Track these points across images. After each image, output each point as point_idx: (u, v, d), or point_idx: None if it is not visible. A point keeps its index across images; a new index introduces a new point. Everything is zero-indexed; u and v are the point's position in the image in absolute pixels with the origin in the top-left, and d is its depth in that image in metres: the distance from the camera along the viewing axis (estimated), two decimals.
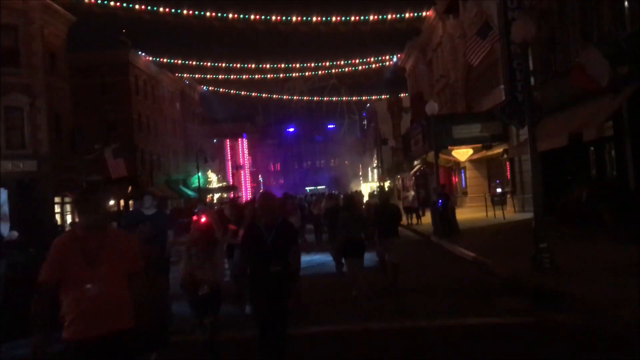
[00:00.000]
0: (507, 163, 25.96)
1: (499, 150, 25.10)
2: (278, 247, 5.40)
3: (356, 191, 33.77)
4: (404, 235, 22.36)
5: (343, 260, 11.07)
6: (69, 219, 30.20)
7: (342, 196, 19.64)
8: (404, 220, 25.95)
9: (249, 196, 74.06)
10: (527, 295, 9.20)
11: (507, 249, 13.78)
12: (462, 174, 32.50)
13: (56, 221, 28.18)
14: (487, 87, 27.01)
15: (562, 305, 8.13)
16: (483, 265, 12.28)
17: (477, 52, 20.72)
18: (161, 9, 30.28)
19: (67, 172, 28.79)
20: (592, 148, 18.17)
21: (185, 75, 52.27)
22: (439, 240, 17.89)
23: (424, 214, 25.76)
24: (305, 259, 15.38)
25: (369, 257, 11.06)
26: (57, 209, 29.62)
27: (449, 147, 25.33)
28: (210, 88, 59.32)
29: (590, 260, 10.87)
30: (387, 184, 47.91)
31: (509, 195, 25.12)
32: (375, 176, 63.72)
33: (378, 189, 49.52)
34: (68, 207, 30.47)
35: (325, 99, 64.98)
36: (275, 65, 44.95)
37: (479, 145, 25.36)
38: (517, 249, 13.28)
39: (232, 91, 56.65)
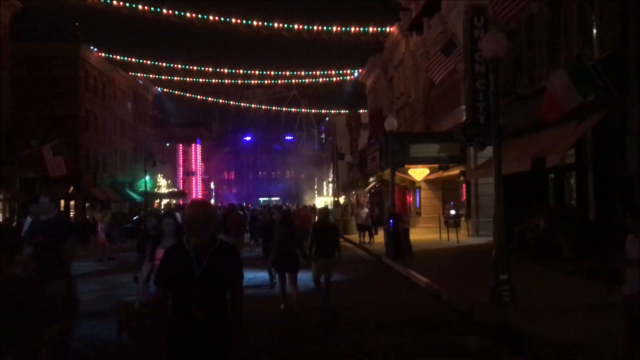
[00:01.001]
0: (464, 185, 25.45)
1: (455, 171, 24.56)
2: (211, 281, 3.78)
3: (305, 205, 32.84)
4: (355, 254, 21.50)
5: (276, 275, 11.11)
6: None
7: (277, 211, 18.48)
8: (357, 238, 25.25)
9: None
10: (487, 332, 8.34)
11: (463, 277, 12.98)
12: (417, 194, 31.92)
13: None
14: (448, 107, 26.53)
15: (525, 347, 7.29)
16: (437, 294, 11.40)
17: (440, 69, 20.08)
18: (115, 2, 28.73)
19: (1, 167, 26.77)
20: (552, 175, 17.69)
21: (139, 74, 50.43)
22: (391, 262, 16.99)
23: (376, 233, 24.93)
24: (248, 275, 14.25)
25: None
26: None
27: (406, 166, 24.64)
28: (165, 90, 57.58)
29: (551, 295, 10.15)
30: (342, 199, 47.12)
31: (463, 218, 24.58)
32: (331, 191, 62.99)
33: (333, 204, 48.86)
34: (0, 205, 28.39)
35: (284, 109, 64.01)
36: (233, 71, 43.81)
37: (436, 165, 24.76)
38: (473, 277, 12.51)
39: (187, 94, 55.10)
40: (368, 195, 38.04)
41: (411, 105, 33.91)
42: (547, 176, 17.86)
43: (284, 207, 36.75)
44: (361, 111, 52.94)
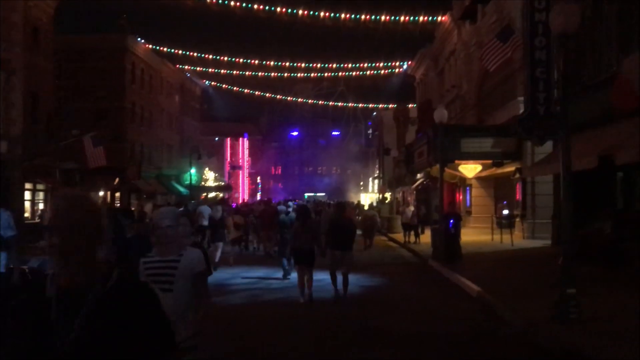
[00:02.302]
0: (518, 184, 23.67)
1: (510, 168, 22.80)
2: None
3: (347, 202, 31.62)
4: (399, 255, 20.18)
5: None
6: (40, 206, 28.02)
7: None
8: (402, 238, 23.87)
9: (246, 198, 72.09)
10: (548, 357, 6.96)
11: (519, 286, 11.49)
12: (468, 192, 30.18)
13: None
14: (502, 99, 24.78)
15: None
16: (489, 306, 9.99)
17: (495, 57, 18.49)
18: None
19: (40, 156, 26.56)
20: (620, 174, 15.89)
21: (186, 67, 50.15)
22: (438, 266, 15.58)
23: (422, 232, 23.48)
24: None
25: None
26: (27, 195, 27.35)
27: (456, 162, 23.05)
28: (212, 83, 57.21)
29: (626, 314, 8.60)
30: (387, 196, 45.64)
31: (518, 219, 22.80)
32: (376, 187, 61.58)
33: (378, 201, 47.41)
34: (40, 195, 28.24)
35: (331, 103, 62.77)
36: (279, 63, 42.80)
37: (489, 161, 23.08)
38: (531, 287, 11.05)
39: (234, 88, 54.54)
40: (414, 192, 36.46)
41: (462, 98, 32.18)
42: (614, 175, 16.06)
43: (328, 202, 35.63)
44: (409, 105, 51.29)
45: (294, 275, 12.69)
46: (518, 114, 19.34)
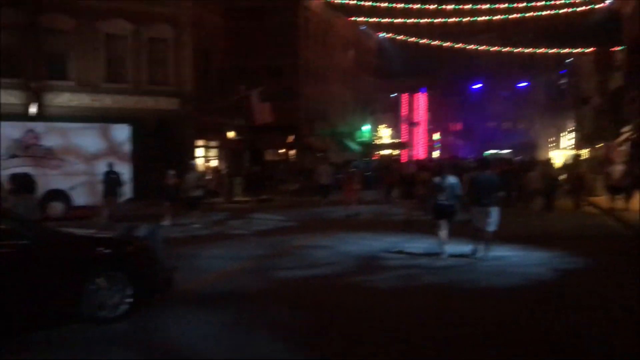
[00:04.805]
0: None
1: None
2: None
3: (544, 160, 27.72)
4: (600, 224, 16.38)
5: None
6: (213, 164, 28.26)
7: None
8: (605, 203, 19.73)
9: (424, 155, 69.19)
10: None
11: None
12: None
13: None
14: None
15: None
16: None
17: None
18: None
19: (212, 114, 26.53)
20: None
21: (359, 19, 48.09)
22: None
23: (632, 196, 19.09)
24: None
25: None
26: (199, 152, 27.66)
27: None
28: (386, 35, 54.61)
29: None
30: (584, 152, 39.92)
31: None
32: (570, 143, 55.11)
33: (572, 158, 41.79)
34: (212, 152, 28.47)
35: (517, 50, 56.72)
36: (458, 6, 38.82)
37: None
38: None
39: (410, 39, 51.43)
40: (623, 147, 30.88)
41: None
42: None
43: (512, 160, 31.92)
44: (613, 48, 44.05)
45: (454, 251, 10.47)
46: None
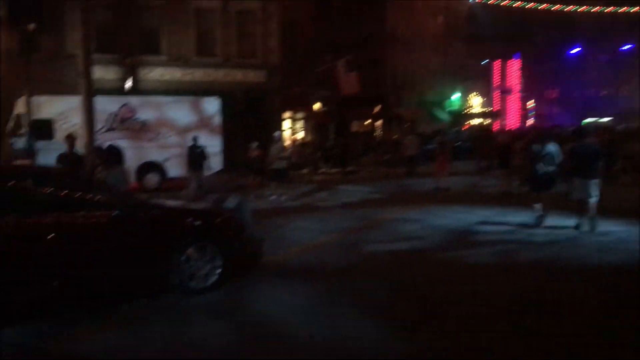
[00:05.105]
0: None
1: None
2: None
3: None
4: None
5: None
6: (299, 136, 28.33)
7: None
8: None
9: (517, 124, 66.25)
10: None
11: None
12: None
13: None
14: None
15: None
16: None
17: None
18: None
19: (298, 85, 26.48)
20: None
21: None
22: None
23: None
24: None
25: None
26: (284, 125, 27.74)
27: None
28: (478, 0, 52.24)
29: None
30: None
31: None
32: None
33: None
34: (298, 124, 28.50)
35: (622, 10, 52.64)
36: None
37: None
38: None
39: (503, 2, 48.98)
40: None
41: None
42: None
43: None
44: None
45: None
46: None
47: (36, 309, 5.65)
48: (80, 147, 11.95)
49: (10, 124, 16.92)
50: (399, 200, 14.99)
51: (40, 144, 15.56)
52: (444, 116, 49.63)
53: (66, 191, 6.16)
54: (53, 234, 5.68)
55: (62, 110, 17.08)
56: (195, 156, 16.43)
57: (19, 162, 14.96)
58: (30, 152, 15.16)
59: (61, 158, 10.52)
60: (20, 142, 16.04)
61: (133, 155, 17.79)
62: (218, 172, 18.91)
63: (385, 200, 15.28)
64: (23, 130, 16.27)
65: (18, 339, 5.37)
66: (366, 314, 5.83)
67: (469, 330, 5.37)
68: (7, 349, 5.12)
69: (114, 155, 8.07)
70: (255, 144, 16.97)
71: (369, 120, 41.91)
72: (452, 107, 52.89)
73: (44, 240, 5.63)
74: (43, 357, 5.03)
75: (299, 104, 27.37)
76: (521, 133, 23.96)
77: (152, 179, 18.55)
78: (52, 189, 6.10)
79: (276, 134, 16.98)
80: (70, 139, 10.69)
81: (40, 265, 5.64)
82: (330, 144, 27.60)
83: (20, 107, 16.99)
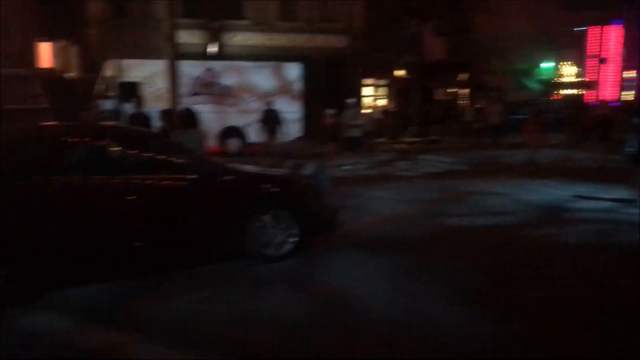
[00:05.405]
0: None
1: None
2: None
3: None
4: None
5: None
6: (381, 103, 27.75)
7: None
8: None
9: (614, 96, 62.19)
10: None
11: None
12: None
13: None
14: None
15: None
16: None
17: None
18: None
19: (380, 51, 25.79)
20: None
21: None
22: None
23: None
24: None
25: None
26: (366, 91, 27.17)
27: None
28: None
29: None
30: None
31: None
32: None
33: None
34: (380, 91, 27.87)
35: None
36: None
37: None
38: None
39: None
40: None
41: None
42: None
43: None
44: None
45: None
46: None
47: (117, 268, 5.71)
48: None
49: (101, 86, 17.47)
50: (484, 172, 14.32)
51: (127, 106, 16.00)
52: (533, 85, 47.25)
53: (150, 153, 6.17)
54: (136, 196, 5.70)
55: (148, 74, 17.45)
56: (269, 121, 16.36)
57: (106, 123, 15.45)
58: (117, 114, 15.61)
59: (132, 118, 10.66)
60: (107, 104, 16.56)
61: (215, 119, 17.99)
62: (297, 139, 18.83)
63: (470, 172, 14.65)
64: (111, 93, 16.78)
65: (99, 297, 5.46)
66: (445, 294, 5.49)
67: (560, 319, 4.93)
68: (88, 304, 5.20)
69: (191, 118, 8.03)
70: (330, 111, 16.65)
71: (454, 88, 40.54)
72: (543, 76, 50.20)
73: (127, 200, 5.66)
74: (125, 313, 5.06)
75: (381, 71, 26.69)
76: (622, 105, 22.42)
77: (234, 143, 18.75)
78: (136, 150, 6.11)
79: (350, 100, 16.57)
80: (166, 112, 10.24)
81: (124, 225, 5.69)
82: (413, 112, 26.86)
83: (109, 70, 17.50)
